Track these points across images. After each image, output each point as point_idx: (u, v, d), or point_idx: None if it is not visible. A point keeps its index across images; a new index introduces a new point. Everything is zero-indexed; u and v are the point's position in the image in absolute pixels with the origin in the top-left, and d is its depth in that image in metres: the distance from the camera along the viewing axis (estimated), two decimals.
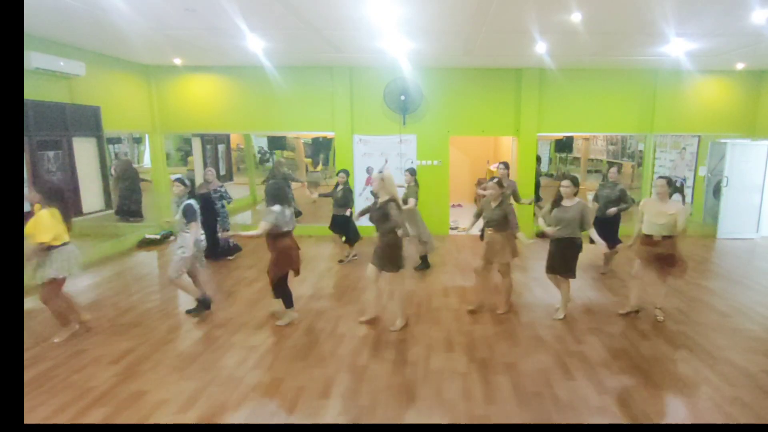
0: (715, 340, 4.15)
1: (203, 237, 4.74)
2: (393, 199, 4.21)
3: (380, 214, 4.23)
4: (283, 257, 4.29)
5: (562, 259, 4.50)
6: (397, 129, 8.16)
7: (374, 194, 4.37)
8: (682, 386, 3.42)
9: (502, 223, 4.52)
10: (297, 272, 4.48)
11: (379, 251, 4.29)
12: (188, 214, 4.44)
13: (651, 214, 4.45)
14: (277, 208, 4.17)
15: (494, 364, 3.75)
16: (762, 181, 8.11)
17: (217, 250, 6.74)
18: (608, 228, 5.90)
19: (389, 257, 4.26)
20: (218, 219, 6.55)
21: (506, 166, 6.35)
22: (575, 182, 4.44)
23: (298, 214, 5.73)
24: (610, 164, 11.92)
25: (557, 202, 4.47)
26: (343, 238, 6.61)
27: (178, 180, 4.65)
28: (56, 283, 3.98)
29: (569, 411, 3.11)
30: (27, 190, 4.87)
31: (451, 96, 8.09)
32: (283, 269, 4.34)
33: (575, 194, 4.42)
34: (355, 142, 8.23)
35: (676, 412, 3.10)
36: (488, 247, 4.63)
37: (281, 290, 4.43)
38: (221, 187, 6.61)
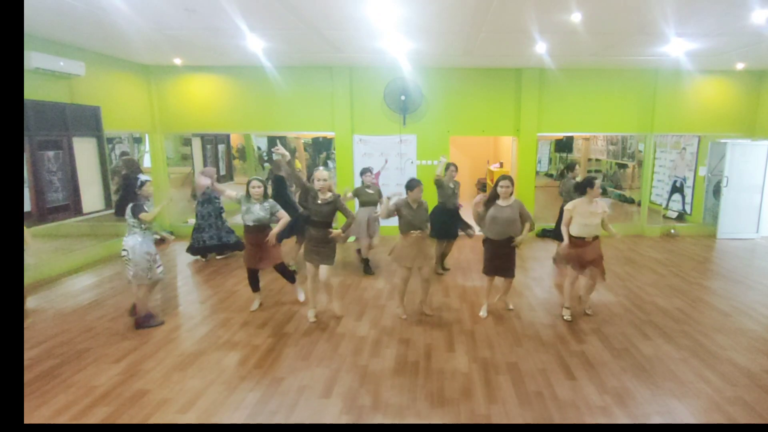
0: (717, 340, 4.15)
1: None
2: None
3: (331, 209, 4.39)
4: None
5: (508, 260, 4.51)
6: (397, 129, 8.16)
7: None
8: (684, 386, 3.42)
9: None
10: (249, 266, 4.74)
11: (321, 247, 4.41)
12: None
13: (582, 216, 4.35)
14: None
15: (495, 363, 3.75)
16: (762, 181, 8.11)
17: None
18: None
19: (331, 252, 4.49)
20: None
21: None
22: (513, 182, 4.42)
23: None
24: (620, 166, 11.96)
25: (491, 201, 4.44)
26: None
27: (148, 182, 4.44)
28: None
29: (570, 411, 3.11)
30: None
31: (451, 96, 8.09)
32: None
33: (512, 194, 4.41)
34: (355, 142, 8.24)
35: (678, 412, 3.10)
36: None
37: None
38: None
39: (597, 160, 12.96)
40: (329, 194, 4.33)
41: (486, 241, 4.57)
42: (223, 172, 10.45)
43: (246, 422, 2.99)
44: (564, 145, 12.66)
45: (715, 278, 5.98)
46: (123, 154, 8.52)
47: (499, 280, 4.74)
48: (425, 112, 8.10)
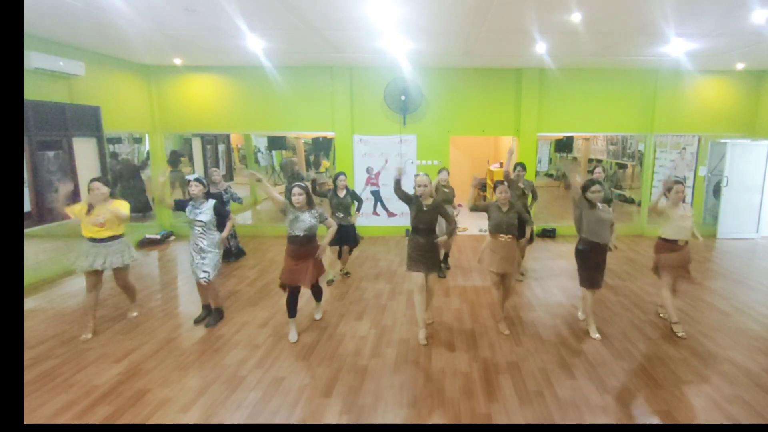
0: (717, 340, 4.15)
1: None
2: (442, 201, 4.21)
3: (434, 216, 4.08)
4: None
5: (603, 268, 4.28)
6: (398, 129, 8.16)
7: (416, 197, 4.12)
8: (684, 385, 3.42)
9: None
10: (286, 284, 4.10)
11: (428, 255, 4.12)
12: (225, 212, 4.50)
13: (677, 218, 4.22)
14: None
15: (496, 363, 3.75)
16: (762, 181, 8.11)
17: (229, 252, 6.81)
18: None
19: (436, 259, 4.20)
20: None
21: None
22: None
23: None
24: (620, 165, 11.94)
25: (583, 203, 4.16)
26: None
27: (197, 180, 4.27)
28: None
29: (571, 410, 3.11)
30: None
31: (451, 96, 8.09)
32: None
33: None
34: (355, 142, 8.24)
35: (678, 412, 3.10)
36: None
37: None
38: (230, 187, 6.64)
39: (598, 160, 12.96)
40: (430, 200, 4.09)
41: (584, 250, 4.18)
42: (223, 172, 10.44)
43: (247, 422, 2.99)
44: (564, 145, 12.65)
45: (715, 278, 5.97)
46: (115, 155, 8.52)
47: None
48: (425, 112, 8.10)
